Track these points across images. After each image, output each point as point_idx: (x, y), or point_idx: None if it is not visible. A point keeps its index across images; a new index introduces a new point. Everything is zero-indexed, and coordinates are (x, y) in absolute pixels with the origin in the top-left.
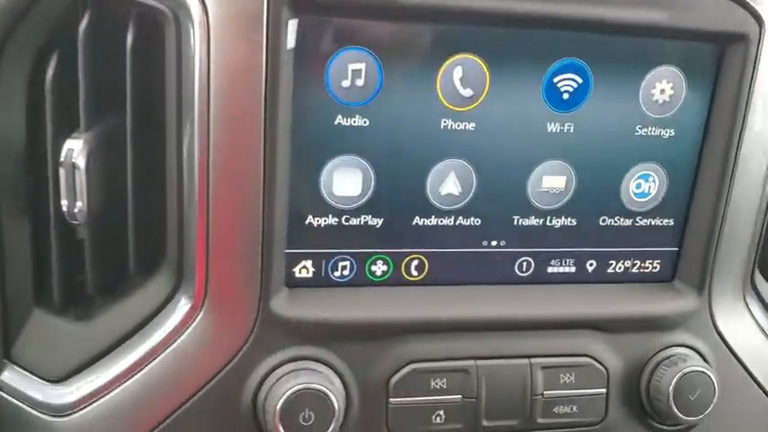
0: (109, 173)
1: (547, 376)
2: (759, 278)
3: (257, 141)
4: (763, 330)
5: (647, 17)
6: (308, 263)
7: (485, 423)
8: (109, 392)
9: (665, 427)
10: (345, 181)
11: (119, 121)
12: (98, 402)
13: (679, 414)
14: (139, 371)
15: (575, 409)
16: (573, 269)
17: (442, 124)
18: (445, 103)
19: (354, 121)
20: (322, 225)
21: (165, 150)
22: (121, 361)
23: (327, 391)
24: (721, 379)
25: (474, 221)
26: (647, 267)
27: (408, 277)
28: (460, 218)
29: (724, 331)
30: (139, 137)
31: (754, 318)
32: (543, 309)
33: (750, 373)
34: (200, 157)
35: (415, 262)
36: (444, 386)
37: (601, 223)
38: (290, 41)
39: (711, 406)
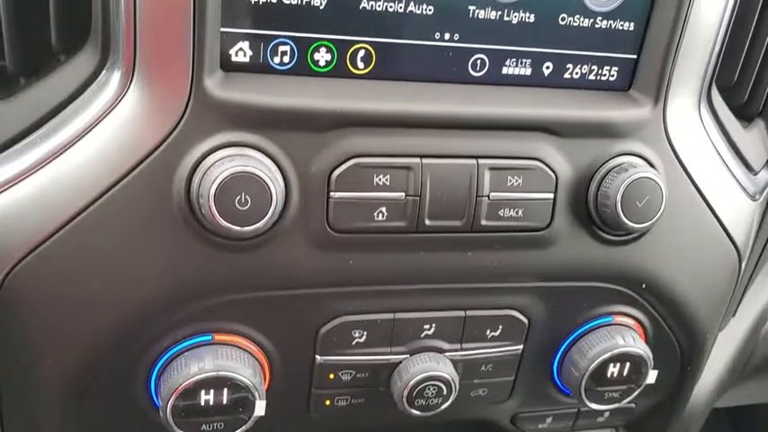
0: None
1: (494, 177)
2: (715, 94)
3: None
4: (714, 147)
5: None
6: (245, 45)
7: (428, 222)
8: (36, 171)
9: (610, 237)
10: None
11: None
12: (26, 181)
13: (625, 220)
14: (67, 150)
15: (520, 213)
16: (528, 71)
17: None
18: None
19: None
20: (260, 2)
21: None
22: (48, 140)
23: (265, 177)
24: (669, 191)
25: (426, 9)
26: (605, 75)
27: (354, 69)
28: (412, 4)
29: (676, 143)
30: None
31: (707, 133)
32: (495, 108)
33: (698, 188)
34: None
35: (362, 52)
36: (387, 183)
37: (560, 22)
38: None
39: (658, 214)
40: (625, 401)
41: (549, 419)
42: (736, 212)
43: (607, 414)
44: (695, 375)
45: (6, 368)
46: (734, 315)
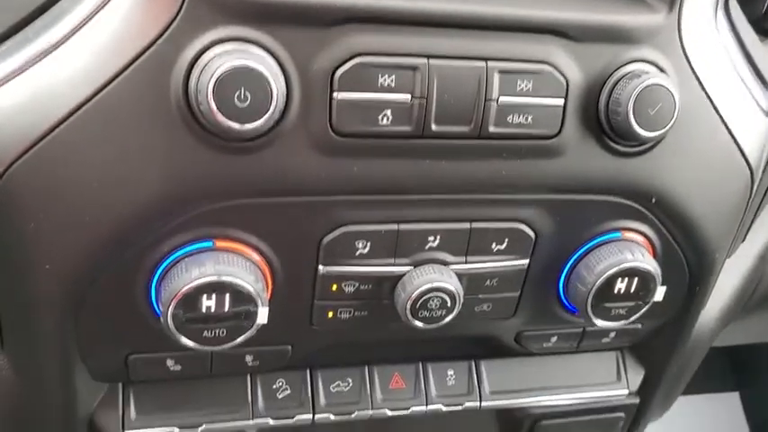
0: None
1: (503, 81)
2: (733, 3)
3: None
4: (730, 58)
5: None
6: None
7: (434, 127)
8: (30, 68)
9: (620, 148)
10: None
11: None
12: (19, 78)
13: (637, 128)
14: (61, 45)
15: (529, 119)
16: None
17: None
18: None
19: None
20: None
21: None
22: (42, 36)
23: (265, 72)
24: (681, 100)
25: None
26: None
27: None
28: None
29: (690, 52)
30: None
31: (723, 43)
32: (506, 9)
33: (711, 100)
34: None
35: None
36: (392, 84)
37: None
38: None
39: (671, 123)
40: (632, 319)
41: (553, 339)
42: (750, 128)
43: (612, 335)
44: (702, 297)
45: (4, 276)
46: (743, 240)
